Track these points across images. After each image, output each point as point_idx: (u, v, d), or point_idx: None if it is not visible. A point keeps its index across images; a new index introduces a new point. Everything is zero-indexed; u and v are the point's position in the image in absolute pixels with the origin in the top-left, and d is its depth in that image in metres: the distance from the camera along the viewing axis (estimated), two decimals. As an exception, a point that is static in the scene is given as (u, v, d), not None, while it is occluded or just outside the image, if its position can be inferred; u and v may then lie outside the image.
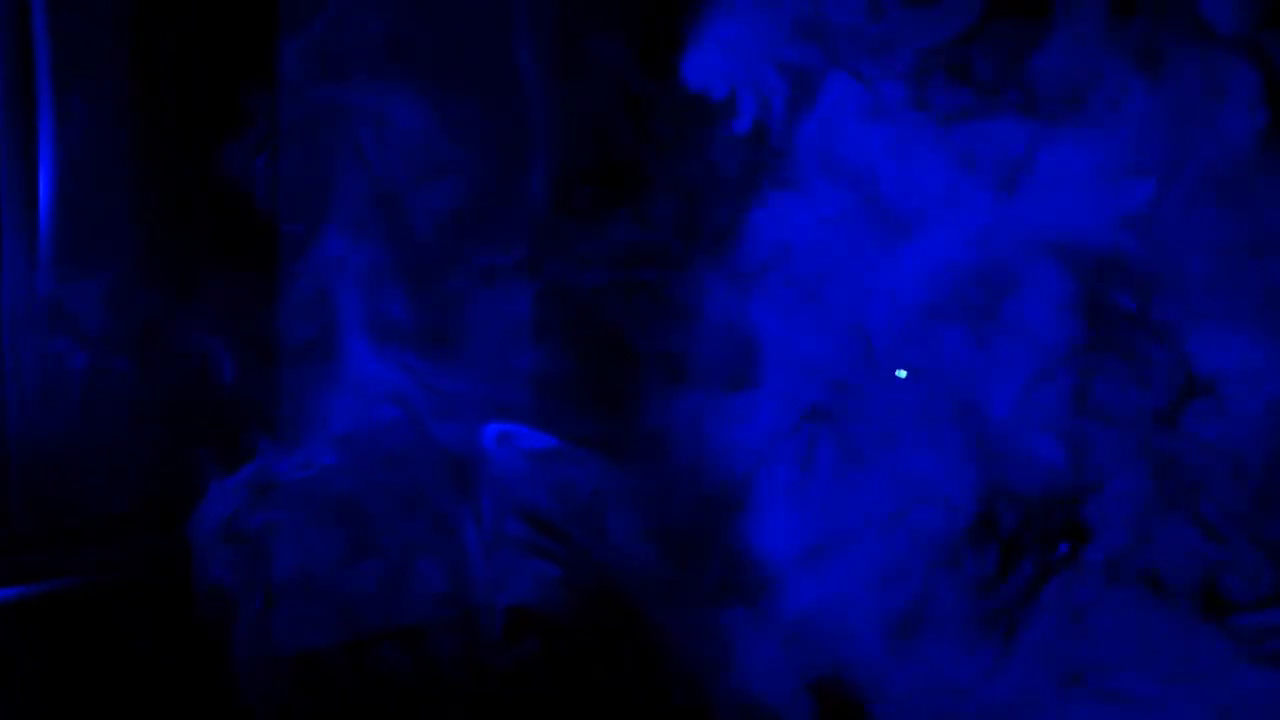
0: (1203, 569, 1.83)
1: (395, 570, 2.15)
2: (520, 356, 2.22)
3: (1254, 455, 1.82)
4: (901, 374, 2.05)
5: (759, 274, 2.07)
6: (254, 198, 2.27)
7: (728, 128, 2.07)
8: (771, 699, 1.96)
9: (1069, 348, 1.88)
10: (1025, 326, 1.90)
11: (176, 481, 2.25)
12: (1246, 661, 1.79)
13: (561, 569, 2.09)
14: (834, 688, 1.95)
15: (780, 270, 2.06)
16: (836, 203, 2.02)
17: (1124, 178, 1.85)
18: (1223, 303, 1.83)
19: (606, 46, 2.20)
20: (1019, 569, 1.92)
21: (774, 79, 2.04)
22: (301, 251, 2.24)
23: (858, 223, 2.01)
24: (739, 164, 2.09)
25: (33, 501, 2.33)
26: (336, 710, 2.20)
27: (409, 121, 2.23)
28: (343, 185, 2.24)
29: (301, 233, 2.25)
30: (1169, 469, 1.85)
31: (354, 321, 2.22)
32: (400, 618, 2.15)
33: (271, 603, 2.18)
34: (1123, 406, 1.86)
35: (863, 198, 2.01)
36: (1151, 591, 1.84)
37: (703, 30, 2.05)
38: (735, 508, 2.01)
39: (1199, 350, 1.84)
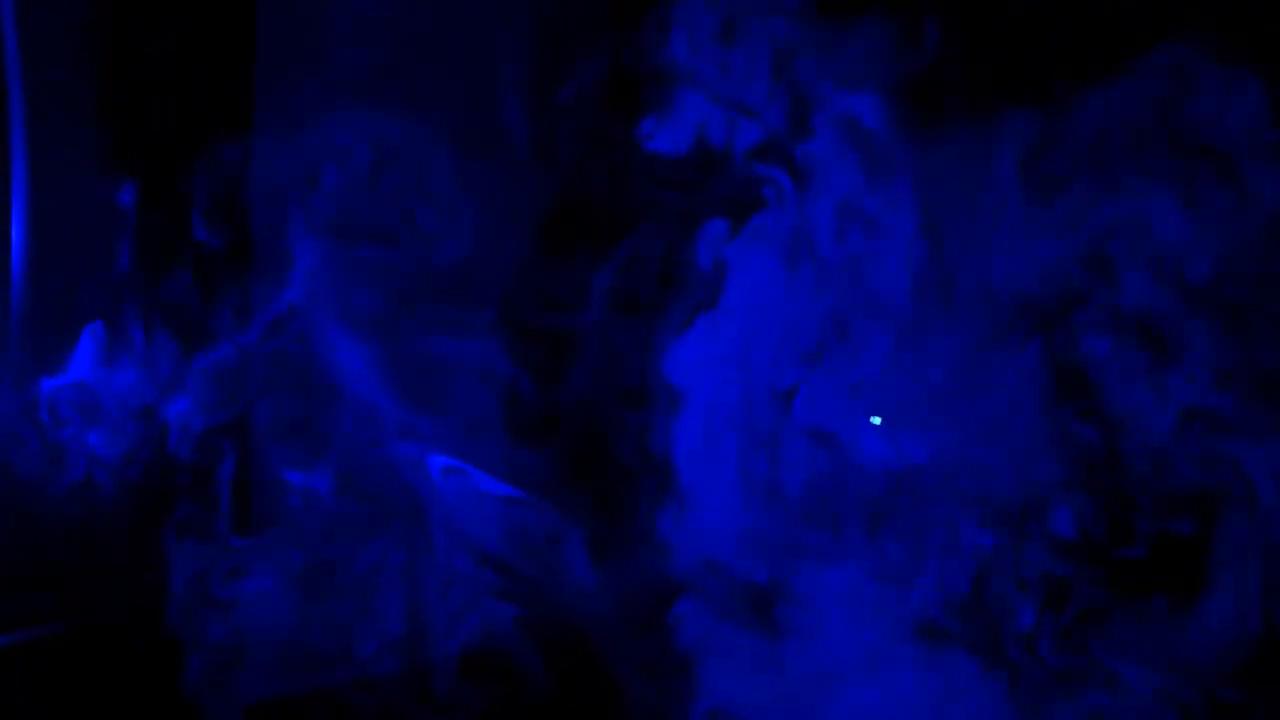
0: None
1: (354, 614, 2.12)
2: (489, 402, 2.19)
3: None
4: (876, 420, 2.01)
5: (732, 319, 2.04)
6: (228, 248, 2.29)
7: (700, 169, 2.06)
8: None
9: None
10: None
11: (147, 534, 2.25)
12: None
13: (515, 607, 2.05)
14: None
15: (754, 315, 2.03)
16: (815, 241, 1.99)
17: None
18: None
19: (584, 90, 2.19)
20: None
21: (746, 119, 2.03)
22: (272, 302, 2.25)
23: (840, 261, 1.98)
24: (713, 204, 2.06)
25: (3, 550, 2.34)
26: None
27: (386, 163, 2.23)
28: (315, 227, 2.24)
29: (271, 287, 2.26)
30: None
31: (325, 367, 2.21)
32: (359, 662, 2.12)
33: (236, 652, 2.16)
34: None
35: (844, 234, 1.98)
36: None
37: (672, 72, 2.04)
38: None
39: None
